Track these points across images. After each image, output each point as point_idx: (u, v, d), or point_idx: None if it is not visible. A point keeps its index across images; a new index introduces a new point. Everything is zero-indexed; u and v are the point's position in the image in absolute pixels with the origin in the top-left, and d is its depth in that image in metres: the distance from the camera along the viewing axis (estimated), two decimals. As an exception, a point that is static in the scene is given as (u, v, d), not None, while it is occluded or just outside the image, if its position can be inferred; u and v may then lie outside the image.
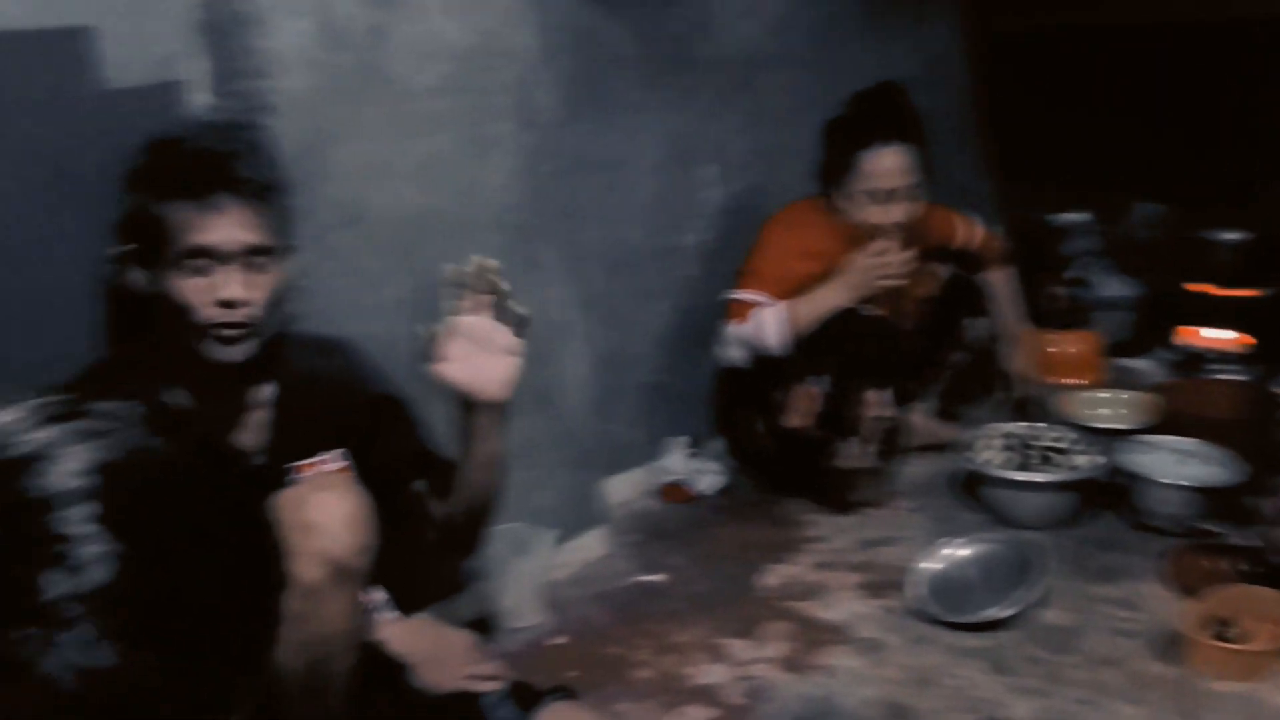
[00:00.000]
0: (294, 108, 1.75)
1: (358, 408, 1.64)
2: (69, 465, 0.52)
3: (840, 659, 2.01)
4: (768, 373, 2.49)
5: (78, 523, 0.51)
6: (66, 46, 1.61)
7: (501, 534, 2.10)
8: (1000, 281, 2.89)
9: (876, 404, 2.44)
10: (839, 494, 2.55)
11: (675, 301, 2.71)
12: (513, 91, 2.07)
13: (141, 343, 1.55)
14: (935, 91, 3.15)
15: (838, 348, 2.42)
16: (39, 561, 0.49)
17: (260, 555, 0.60)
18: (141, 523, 0.52)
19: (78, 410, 0.55)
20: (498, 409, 1.55)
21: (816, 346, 2.43)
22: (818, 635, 2.09)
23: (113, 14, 1.65)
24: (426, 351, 1.49)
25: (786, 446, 2.55)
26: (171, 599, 0.52)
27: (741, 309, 2.49)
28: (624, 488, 2.62)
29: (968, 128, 3.57)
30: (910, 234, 2.57)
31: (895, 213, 2.48)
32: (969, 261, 2.84)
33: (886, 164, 2.47)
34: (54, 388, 0.58)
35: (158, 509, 0.54)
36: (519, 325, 1.52)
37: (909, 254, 2.46)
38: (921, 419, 2.81)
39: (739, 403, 2.68)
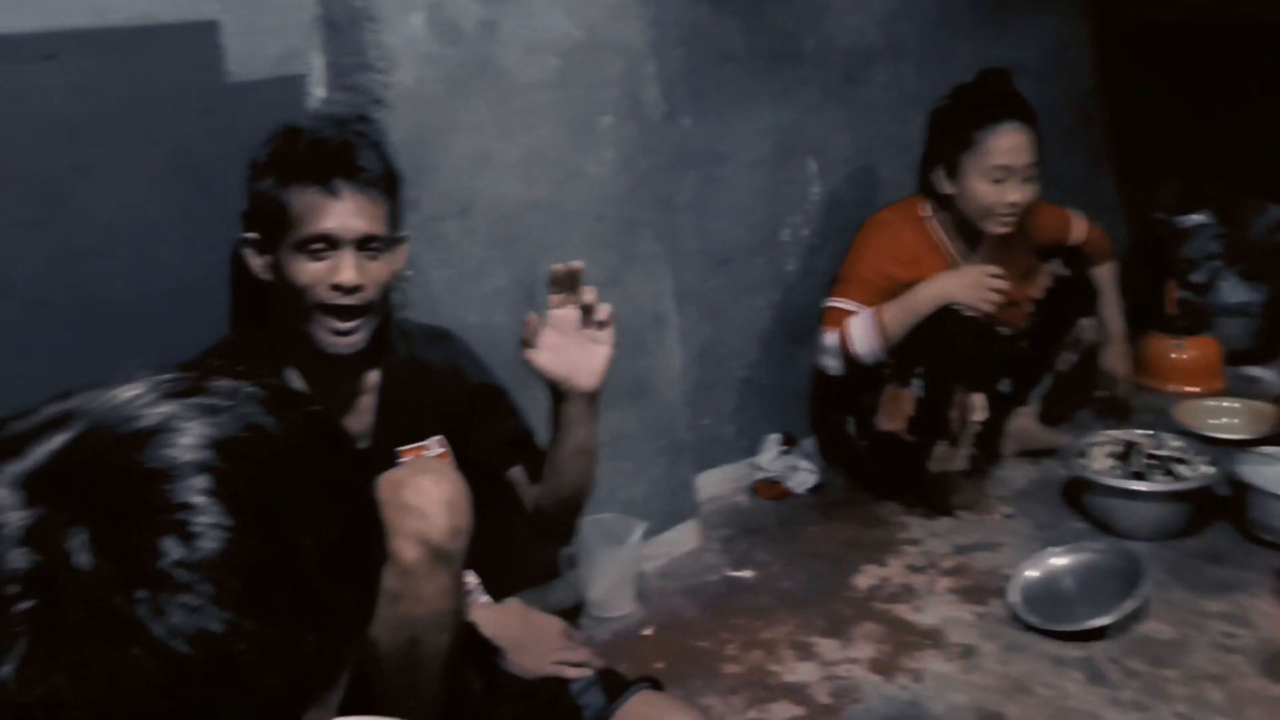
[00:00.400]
0: (405, 101, 1.80)
1: (459, 395, 1.68)
2: (187, 439, 0.54)
3: (930, 663, 1.98)
4: (860, 373, 2.46)
5: (193, 494, 0.53)
6: (193, 41, 1.68)
7: (593, 524, 2.13)
8: (1105, 279, 2.80)
9: (972, 407, 2.39)
10: (934, 497, 2.52)
11: (772, 297, 2.69)
12: (617, 85, 2.08)
13: (260, 326, 1.62)
14: (1049, 86, 3.07)
15: (932, 349, 2.38)
16: (156, 528, 0.51)
17: (364, 533, 0.62)
18: (253, 496, 0.55)
19: (197, 387, 0.58)
20: (588, 399, 1.58)
21: (910, 347, 2.39)
22: (908, 638, 2.06)
23: (237, 9, 1.71)
24: (524, 339, 1.53)
25: (879, 449, 2.52)
26: (278, 570, 0.54)
27: (835, 317, 2.47)
28: (716, 482, 2.63)
29: (1083, 124, 3.47)
30: (1022, 227, 2.51)
31: (1012, 193, 2.42)
32: (1078, 259, 2.76)
33: (1007, 141, 2.41)
34: (176, 365, 0.61)
35: (268, 484, 0.56)
36: (607, 320, 1.55)
37: (1005, 286, 2.40)
38: (1024, 423, 2.75)
39: (832, 403, 2.65)
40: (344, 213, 1.48)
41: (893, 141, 2.88)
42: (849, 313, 2.44)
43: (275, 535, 0.55)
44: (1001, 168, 2.41)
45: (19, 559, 0.50)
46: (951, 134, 2.47)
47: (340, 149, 1.50)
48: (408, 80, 1.80)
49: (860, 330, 2.41)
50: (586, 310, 1.55)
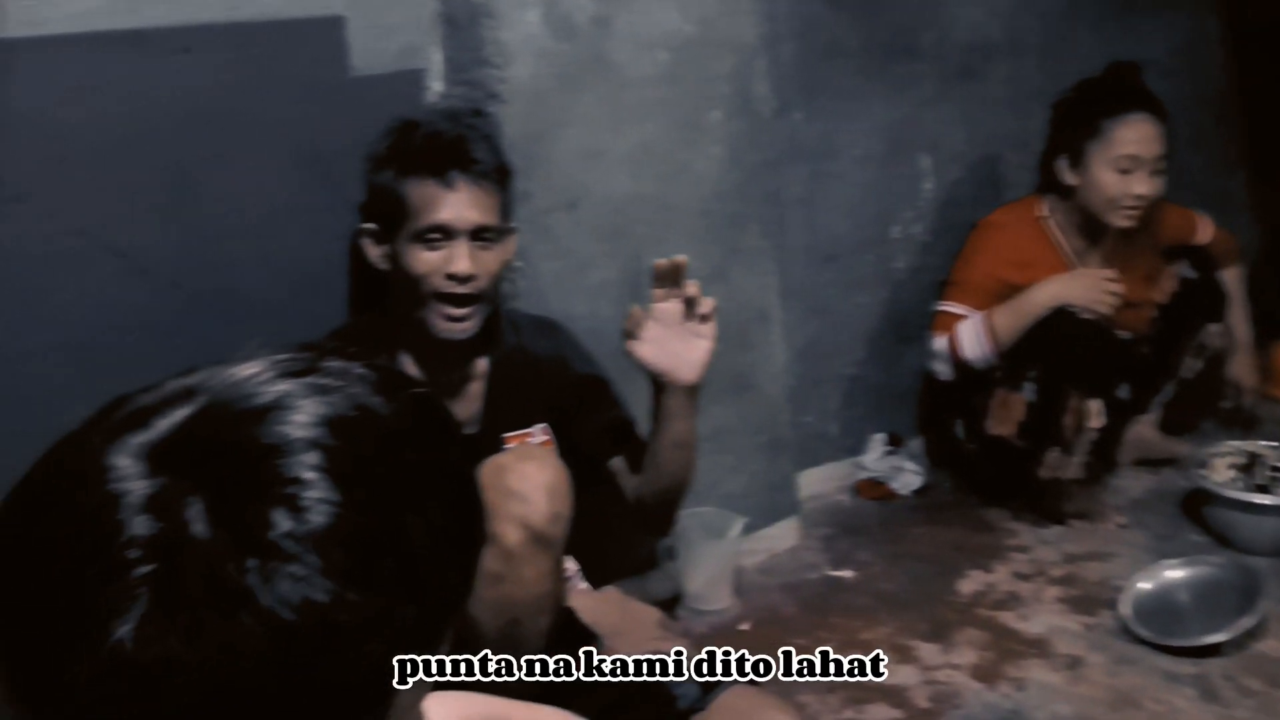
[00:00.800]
0: (519, 96, 1.83)
1: (564, 385, 1.71)
2: (300, 417, 0.56)
3: (1035, 672, 1.93)
4: (971, 378, 2.41)
5: (304, 469, 0.54)
6: (320, 36, 1.75)
7: (692, 517, 2.14)
8: (1232, 284, 2.68)
9: (1088, 413, 2.32)
10: (1045, 505, 2.45)
11: (880, 294, 2.66)
12: (728, 80, 2.08)
13: (375, 313, 1.68)
14: (1178, 83, 2.95)
15: (1046, 352, 2.31)
16: (268, 501, 0.53)
17: (465, 514, 0.64)
18: (360, 474, 0.56)
19: (312, 367, 0.60)
20: (688, 392, 1.59)
21: (1023, 350, 2.33)
22: (1012, 646, 2.02)
23: (362, 5, 1.77)
24: (627, 331, 1.55)
25: (988, 453, 2.46)
26: (382, 545, 0.56)
27: (945, 322, 2.42)
28: (818, 481, 2.61)
29: (1213, 123, 3.32)
30: (1146, 226, 2.43)
31: (1139, 184, 2.34)
32: (1204, 261, 2.65)
33: (1136, 131, 2.34)
34: (294, 346, 0.64)
35: (376, 462, 0.58)
36: (710, 314, 1.57)
37: (1122, 289, 2.33)
38: (1144, 430, 2.65)
39: (941, 404, 2.61)
40: (459, 204, 1.52)
41: (1011, 138, 2.80)
42: (959, 317, 2.40)
43: (380, 511, 0.56)
44: (1129, 157, 2.33)
45: (141, 525, 0.52)
46: (1078, 123, 2.40)
47: (455, 142, 1.55)
48: (522, 75, 1.83)
49: (970, 335, 2.36)
50: (689, 304, 1.56)
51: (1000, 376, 2.38)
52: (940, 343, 2.41)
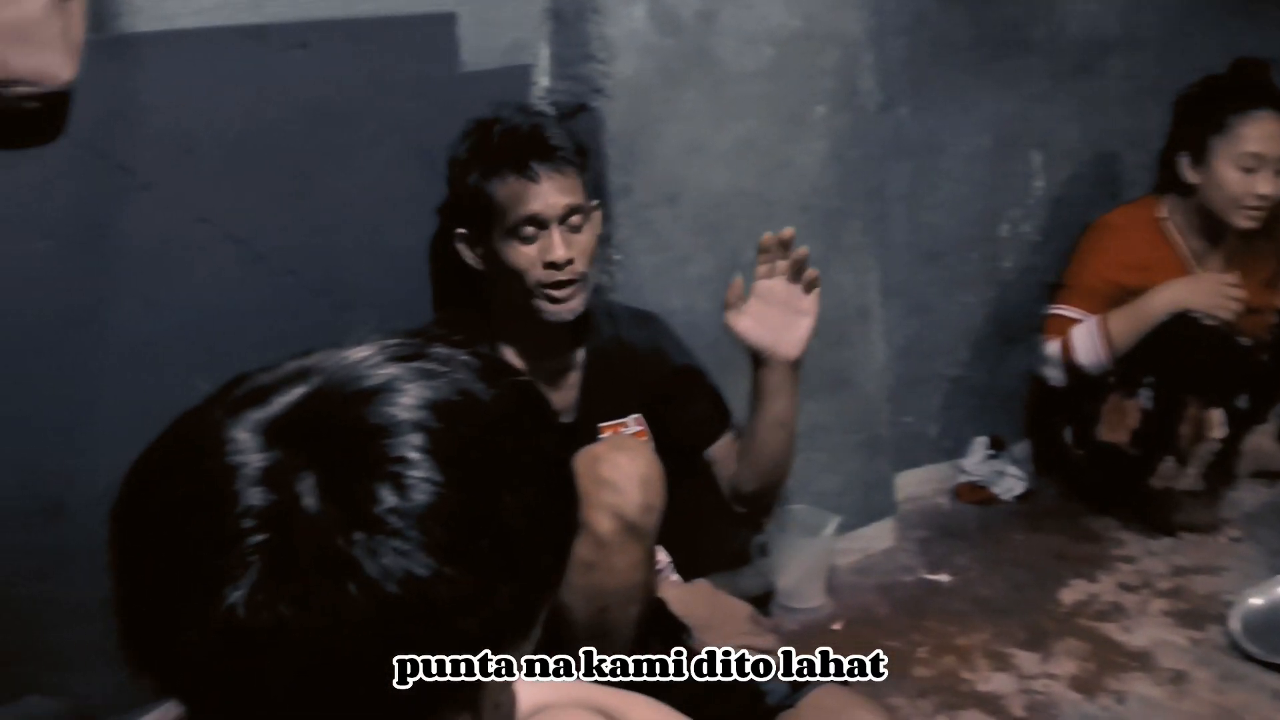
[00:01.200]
0: (623, 90, 1.85)
1: (659, 376, 1.73)
2: (407, 399, 0.59)
3: (1136, 686, 1.88)
4: (1083, 380, 2.35)
5: (409, 449, 0.57)
6: (432, 32, 1.79)
7: (785, 514, 2.13)
8: None
9: (1209, 423, 2.24)
10: (1155, 515, 2.37)
11: (985, 294, 2.60)
12: (832, 75, 2.07)
13: (469, 307, 1.72)
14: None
15: (1163, 358, 2.24)
16: (375, 478, 0.56)
17: (559, 498, 0.65)
18: (461, 456, 0.58)
19: (419, 353, 0.62)
20: (790, 368, 1.60)
21: (1139, 356, 2.26)
22: (1114, 658, 1.96)
23: (472, 1, 1.81)
24: (728, 303, 1.56)
25: (1098, 461, 2.39)
26: (480, 524, 0.58)
27: (1058, 325, 2.36)
28: (916, 482, 2.57)
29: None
30: (1268, 228, 2.33)
31: (1263, 184, 2.25)
32: None
33: (1262, 129, 2.26)
34: (402, 332, 0.66)
35: (477, 445, 0.60)
36: (811, 287, 1.59)
37: (1244, 294, 2.24)
38: (1262, 441, 2.54)
39: (1049, 408, 2.54)
40: (545, 194, 1.56)
41: (1127, 135, 2.72)
42: (1072, 321, 2.34)
43: (479, 492, 0.58)
44: (1254, 155, 2.25)
45: (256, 497, 0.55)
46: (1202, 119, 2.32)
47: (531, 134, 1.59)
48: (626, 70, 1.85)
49: (1084, 340, 2.30)
50: (796, 271, 1.57)
51: (1114, 382, 2.31)
52: (1052, 347, 2.35)
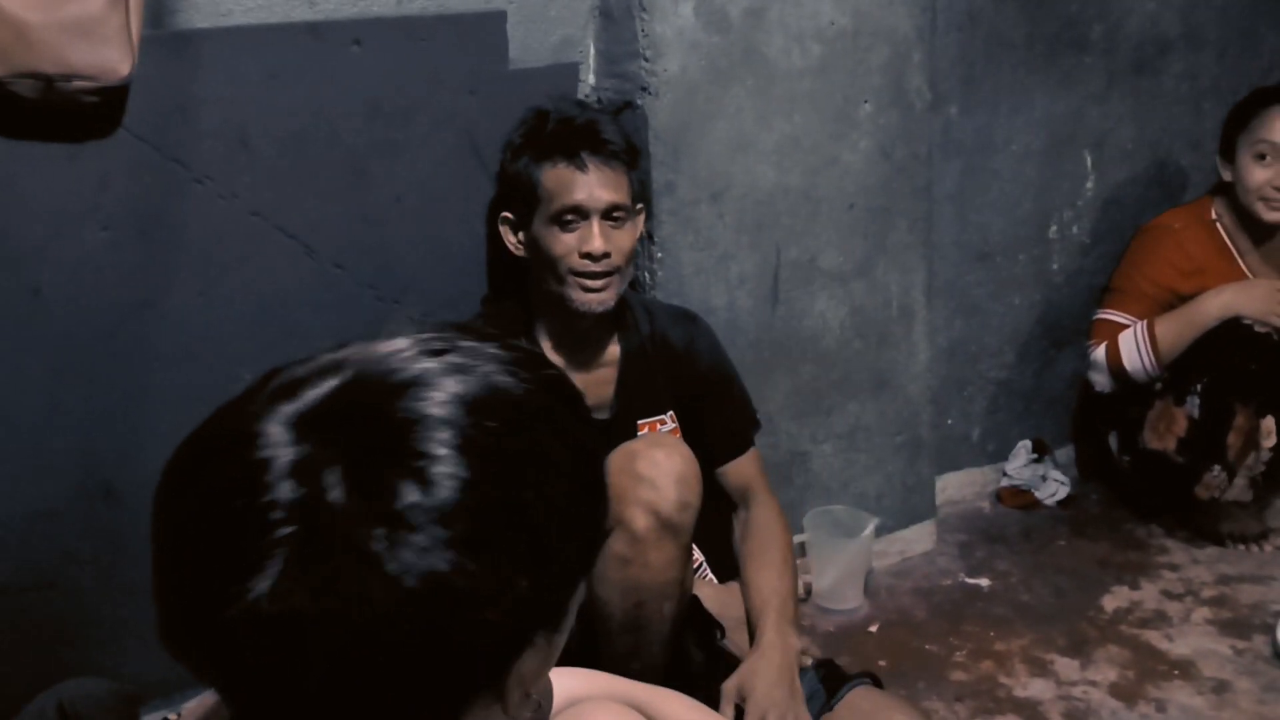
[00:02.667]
0: (670, 88, 1.85)
1: (692, 375, 1.74)
2: (437, 394, 0.59)
3: (1178, 694, 1.86)
4: (1130, 386, 2.31)
5: (436, 444, 0.58)
6: (483, 29, 1.81)
7: (824, 515, 2.13)
8: None
9: (1264, 432, 2.20)
10: (1201, 524, 2.34)
11: (1034, 296, 2.57)
12: (880, 73, 2.05)
13: (514, 298, 1.74)
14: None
15: (1213, 365, 2.20)
16: (399, 473, 0.57)
17: (588, 491, 0.66)
18: (489, 451, 0.59)
19: (451, 346, 0.63)
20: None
21: (1188, 362, 2.22)
22: (1156, 666, 1.94)
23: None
24: None
25: (1144, 468, 2.36)
26: (503, 519, 0.59)
27: (1105, 330, 2.34)
28: (957, 485, 2.55)
29: None
30: None
31: (1275, 173, 2.23)
32: None
33: (1277, 120, 2.24)
34: (435, 325, 0.67)
35: (504, 441, 0.60)
36: None
37: None
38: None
39: (1096, 413, 2.51)
40: (591, 185, 1.58)
41: (1184, 137, 2.67)
42: (1121, 326, 2.31)
43: (505, 487, 0.59)
44: (1267, 143, 2.23)
45: (285, 489, 0.56)
46: (1234, 120, 2.32)
47: (586, 126, 1.61)
48: (673, 68, 1.85)
49: (1132, 346, 2.27)
50: None
51: (1163, 388, 2.28)
52: (1099, 353, 2.33)
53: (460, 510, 0.57)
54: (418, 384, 0.60)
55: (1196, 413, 2.23)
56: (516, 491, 0.60)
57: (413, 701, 0.58)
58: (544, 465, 0.62)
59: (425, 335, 0.64)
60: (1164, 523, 2.40)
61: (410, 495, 0.56)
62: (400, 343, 0.63)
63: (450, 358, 0.62)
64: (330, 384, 0.60)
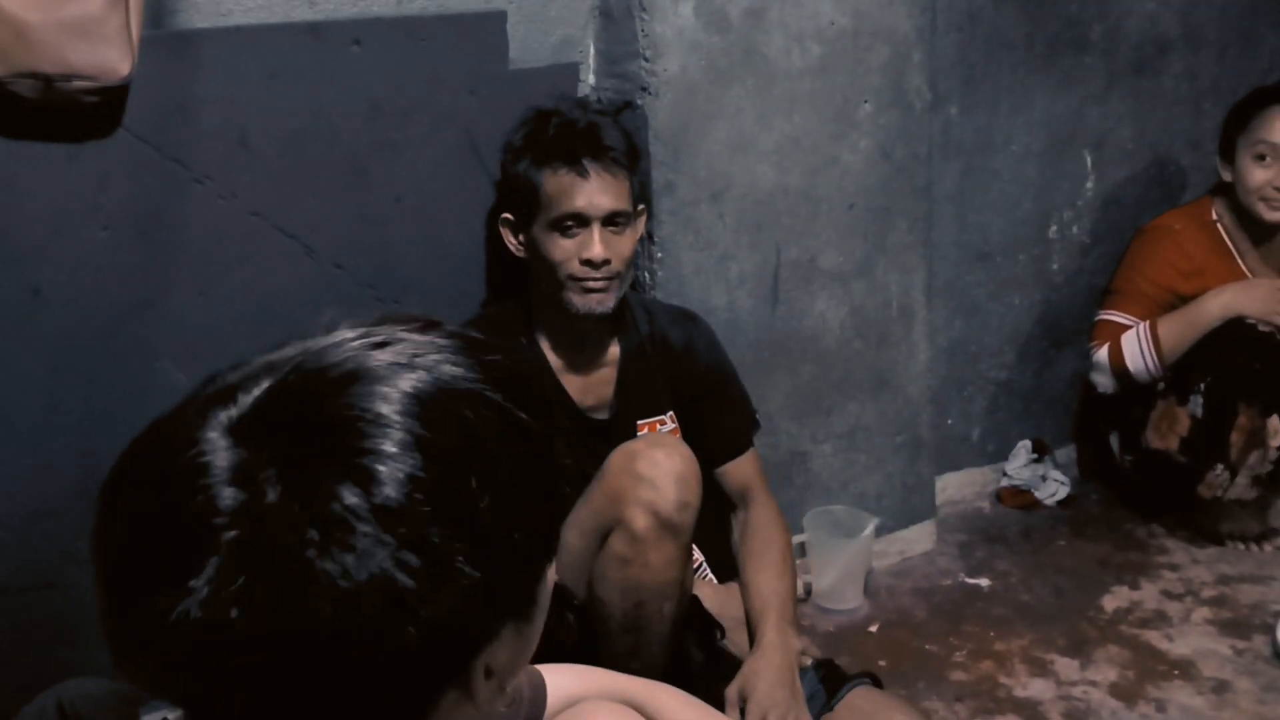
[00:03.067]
0: (669, 88, 1.85)
1: (691, 374, 1.73)
2: (377, 388, 0.57)
3: (1177, 694, 1.86)
4: (1132, 387, 2.32)
5: (375, 440, 0.56)
6: (483, 29, 1.81)
7: (824, 515, 2.13)
8: None
9: (1268, 432, 2.20)
10: (1202, 524, 2.34)
11: (1033, 296, 2.57)
12: (880, 73, 2.05)
13: (514, 299, 1.74)
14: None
15: (1215, 364, 2.20)
16: (336, 473, 0.55)
17: (538, 480, 0.63)
18: (433, 446, 0.57)
19: (393, 338, 0.61)
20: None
21: (1190, 362, 2.22)
22: (1156, 666, 1.94)
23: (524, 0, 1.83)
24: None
25: (1145, 467, 2.36)
26: (445, 511, 0.57)
27: (1107, 331, 2.33)
28: (957, 485, 2.55)
29: None
30: None
31: (1274, 173, 2.24)
32: None
33: (1276, 120, 2.24)
34: (377, 317, 0.64)
35: (448, 434, 0.58)
36: None
37: None
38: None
39: (1097, 412, 2.51)
40: (592, 192, 1.57)
41: (1183, 137, 2.67)
42: (1123, 327, 2.31)
43: (449, 480, 0.57)
44: (1266, 143, 2.23)
45: (227, 496, 0.55)
46: (1233, 120, 2.33)
47: (588, 131, 1.60)
48: (673, 68, 1.85)
49: (1134, 347, 2.27)
50: None
51: (1165, 388, 2.28)
52: (1101, 354, 2.33)
53: (402, 507, 0.55)
54: (357, 379, 0.58)
55: (1199, 412, 2.23)
56: (462, 484, 0.58)
57: (368, 700, 0.56)
58: (486, 454, 0.59)
59: (361, 329, 0.62)
60: (1164, 523, 2.41)
61: (345, 496, 0.55)
62: (335, 338, 0.61)
63: (389, 350, 0.60)
64: (265, 385, 0.59)
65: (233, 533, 0.55)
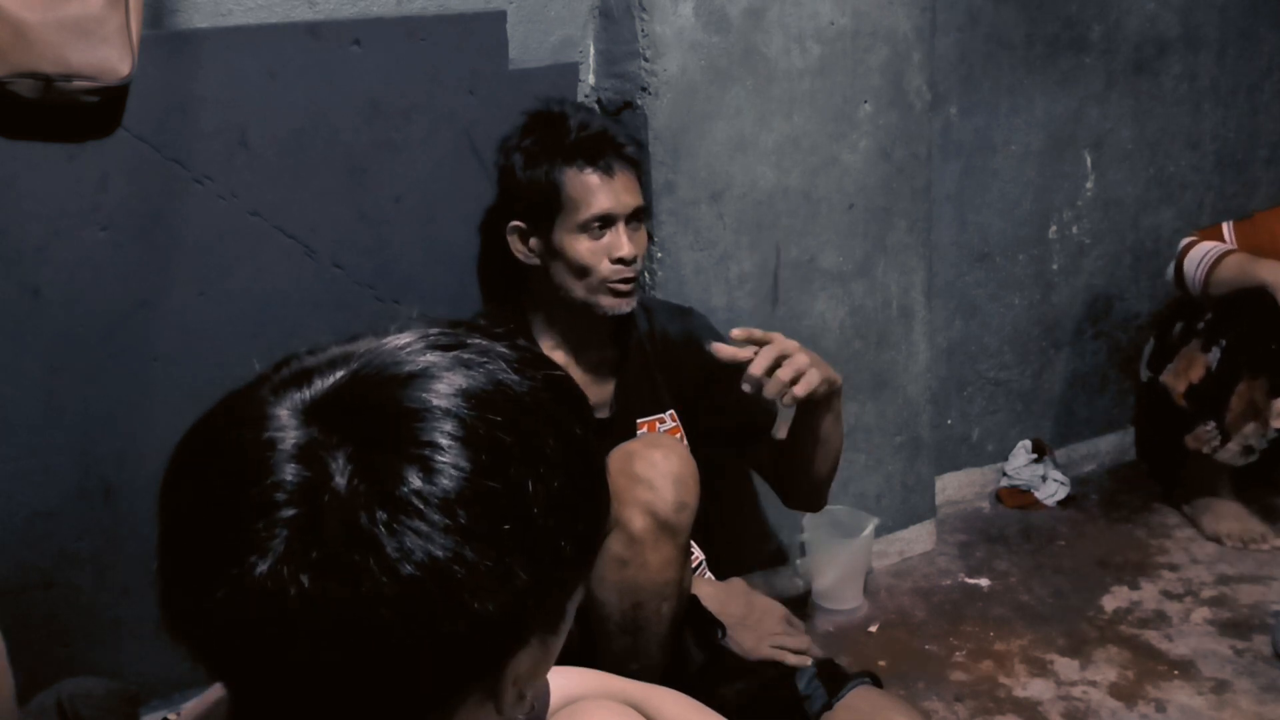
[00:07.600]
0: (669, 88, 1.85)
1: (694, 367, 1.73)
2: (442, 386, 0.61)
3: (1177, 695, 1.86)
4: (1182, 289, 2.34)
5: (439, 434, 0.59)
6: (483, 29, 1.81)
7: (823, 515, 2.12)
8: None
9: (1258, 404, 2.20)
10: (1186, 479, 2.40)
11: (1033, 296, 2.57)
12: (880, 73, 2.06)
13: (515, 300, 1.74)
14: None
15: (1247, 325, 2.20)
16: (403, 460, 0.58)
17: (586, 488, 0.66)
18: (490, 443, 0.60)
19: (458, 342, 0.64)
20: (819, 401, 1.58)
21: (1233, 311, 2.23)
22: (1155, 666, 1.94)
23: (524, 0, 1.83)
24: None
25: (1155, 400, 2.40)
26: (502, 509, 0.59)
27: (1209, 233, 2.34)
28: (956, 485, 2.55)
29: None
30: None
31: None
32: None
33: None
34: (442, 321, 0.68)
35: (506, 434, 0.61)
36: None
37: None
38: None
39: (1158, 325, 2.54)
40: (619, 191, 1.59)
41: (1183, 137, 2.67)
42: (1218, 239, 2.32)
43: (505, 479, 0.60)
44: None
45: (290, 472, 0.57)
46: None
47: (605, 131, 1.60)
48: (673, 68, 1.85)
49: (1200, 255, 2.29)
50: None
51: (1203, 327, 2.30)
52: (1184, 242, 2.35)
53: (461, 499, 0.58)
54: (423, 376, 0.61)
55: (1215, 365, 2.24)
56: (517, 484, 0.60)
57: (405, 690, 0.58)
58: (545, 461, 0.62)
59: (432, 331, 0.65)
60: (1164, 523, 2.41)
61: (413, 481, 0.57)
62: (408, 337, 0.64)
63: (456, 353, 0.63)
64: (339, 373, 0.62)
65: (298, 508, 0.57)
